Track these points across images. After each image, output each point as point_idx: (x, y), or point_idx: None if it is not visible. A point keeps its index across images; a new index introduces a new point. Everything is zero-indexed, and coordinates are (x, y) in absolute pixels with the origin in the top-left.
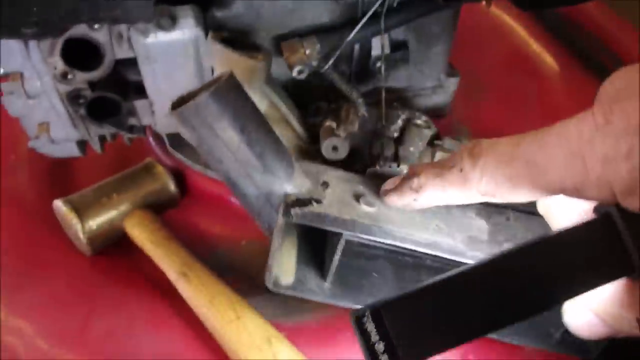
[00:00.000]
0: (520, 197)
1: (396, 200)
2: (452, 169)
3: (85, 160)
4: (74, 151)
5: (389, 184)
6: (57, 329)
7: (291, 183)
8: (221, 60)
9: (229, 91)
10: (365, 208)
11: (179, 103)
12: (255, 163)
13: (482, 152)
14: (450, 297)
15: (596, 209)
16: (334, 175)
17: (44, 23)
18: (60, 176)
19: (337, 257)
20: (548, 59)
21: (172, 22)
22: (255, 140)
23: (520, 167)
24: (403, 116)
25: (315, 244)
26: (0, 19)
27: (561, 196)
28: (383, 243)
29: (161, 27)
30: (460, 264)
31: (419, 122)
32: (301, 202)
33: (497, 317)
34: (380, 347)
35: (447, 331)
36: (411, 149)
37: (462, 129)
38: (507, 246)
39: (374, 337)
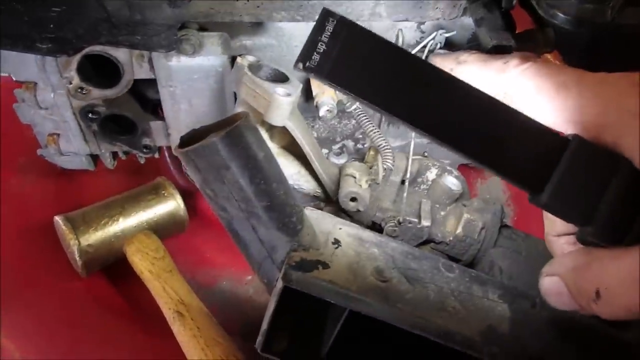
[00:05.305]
0: (536, 107)
1: (437, 62)
2: (498, 59)
3: (97, 171)
4: (83, 164)
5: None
6: (41, 357)
7: (298, 240)
8: (246, 88)
9: (241, 136)
10: (376, 280)
11: (188, 139)
12: (261, 216)
13: (532, 60)
14: (402, 68)
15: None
16: (347, 233)
17: (60, 41)
18: (69, 186)
19: (336, 331)
20: None
21: (197, 48)
22: (264, 191)
23: (552, 88)
24: (435, 170)
25: (317, 309)
26: (16, 31)
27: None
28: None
29: (183, 52)
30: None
31: (449, 179)
32: (305, 264)
33: (417, 117)
34: (320, 47)
35: (374, 88)
36: (437, 206)
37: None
38: (529, 345)
39: (324, 37)
